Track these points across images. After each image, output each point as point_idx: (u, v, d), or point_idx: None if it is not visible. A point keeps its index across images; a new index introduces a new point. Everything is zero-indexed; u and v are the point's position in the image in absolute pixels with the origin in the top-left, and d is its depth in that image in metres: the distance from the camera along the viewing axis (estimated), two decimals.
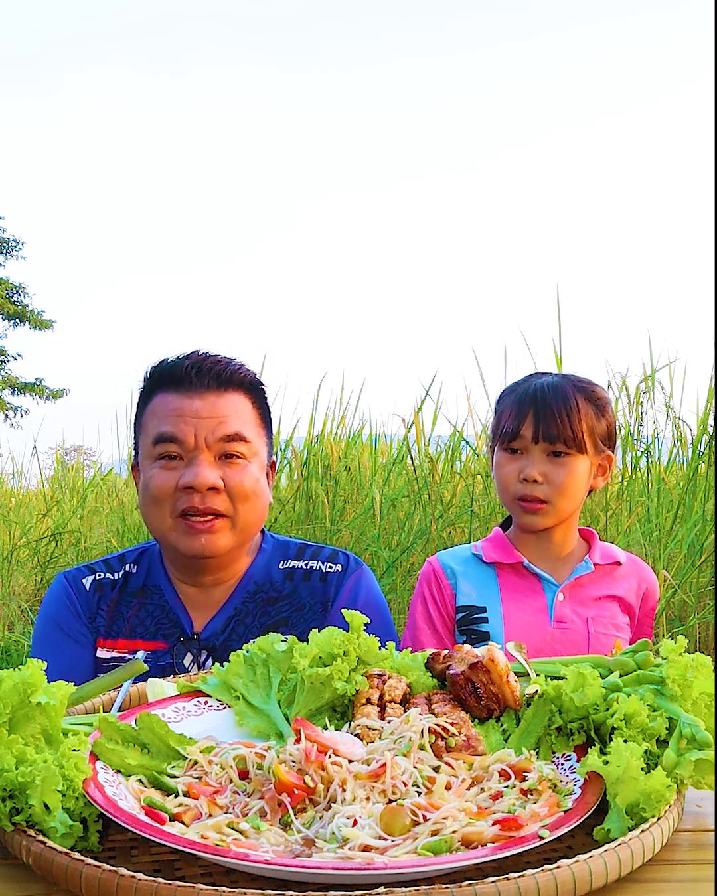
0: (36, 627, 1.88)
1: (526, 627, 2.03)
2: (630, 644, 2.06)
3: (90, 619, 1.81)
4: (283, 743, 1.13)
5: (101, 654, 1.78)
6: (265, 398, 1.83)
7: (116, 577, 1.85)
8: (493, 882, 0.81)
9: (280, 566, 1.84)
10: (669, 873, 0.93)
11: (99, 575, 1.85)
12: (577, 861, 0.85)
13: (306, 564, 1.84)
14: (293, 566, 1.84)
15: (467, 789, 1.02)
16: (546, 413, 1.99)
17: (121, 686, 1.33)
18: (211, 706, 1.23)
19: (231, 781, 1.04)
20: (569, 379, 2.08)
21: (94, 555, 6.11)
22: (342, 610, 1.28)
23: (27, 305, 24.22)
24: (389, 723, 1.13)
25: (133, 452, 1.85)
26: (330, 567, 1.84)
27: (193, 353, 1.78)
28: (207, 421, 1.71)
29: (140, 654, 1.45)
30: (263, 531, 1.90)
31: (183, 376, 1.73)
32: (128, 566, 1.87)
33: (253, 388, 1.80)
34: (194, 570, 1.78)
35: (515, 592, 2.08)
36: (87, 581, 1.85)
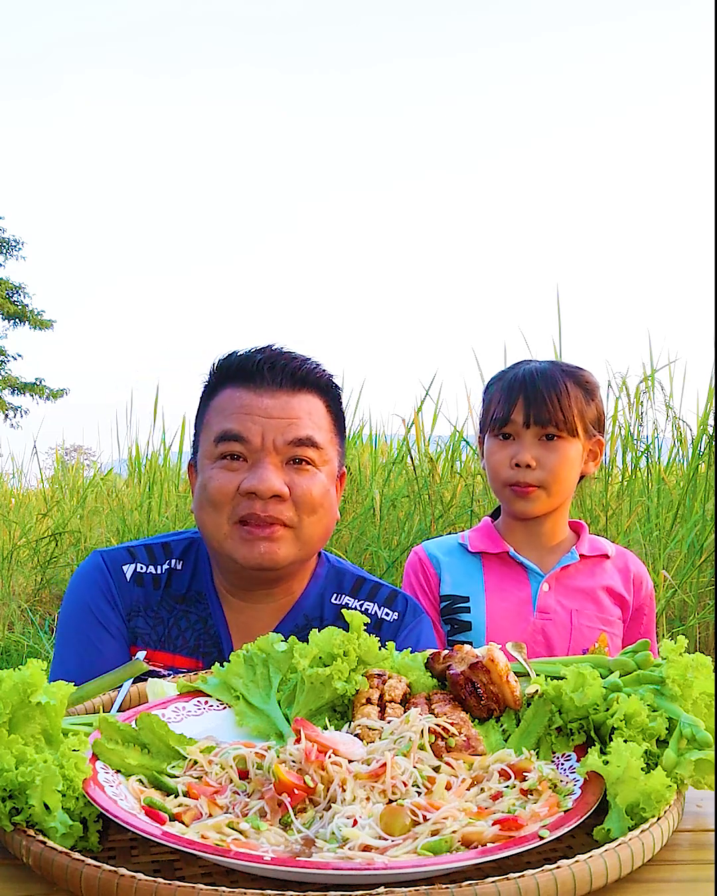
0: (65, 612, 1.71)
1: (509, 617, 2.02)
2: (623, 634, 2.07)
3: (128, 616, 1.66)
4: (283, 743, 1.13)
5: None
6: (341, 403, 1.70)
7: (159, 572, 1.69)
8: (493, 882, 0.81)
9: (333, 600, 1.71)
10: (669, 873, 0.93)
11: (140, 565, 1.69)
12: (577, 861, 0.85)
13: (361, 605, 1.70)
14: (347, 603, 1.70)
15: (467, 789, 1.02)
16: (536, 397, 1.99)
17: (121, 686, 1.33)
18: (211, 706, 1.23)
19: (231, 781, 1.04)
20: (557, 364, 2.09)
21: None
22: (344, 610, 1.28)
23: (27, 305, 24.26)
24: (389, 723, 1.13)
25: (192, 449, 1.71)
26: (387, 613, 1.70)
27: (266, 347, 1.65)
28: (277, 421, 1.57)
29: (141, 655, 1.44)
30: (320, 552, 1.74)
31: (254, 371, 1.60)
32: (173, 561, 1.71)
33: (329, 391, 1.66)
34: (247, 582, 1.64)
35: (499, 582, 2.07)
36: (128, 569, 1.68)
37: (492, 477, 2.07)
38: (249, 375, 1.60)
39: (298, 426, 1.58)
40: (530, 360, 2.12)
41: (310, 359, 1.65)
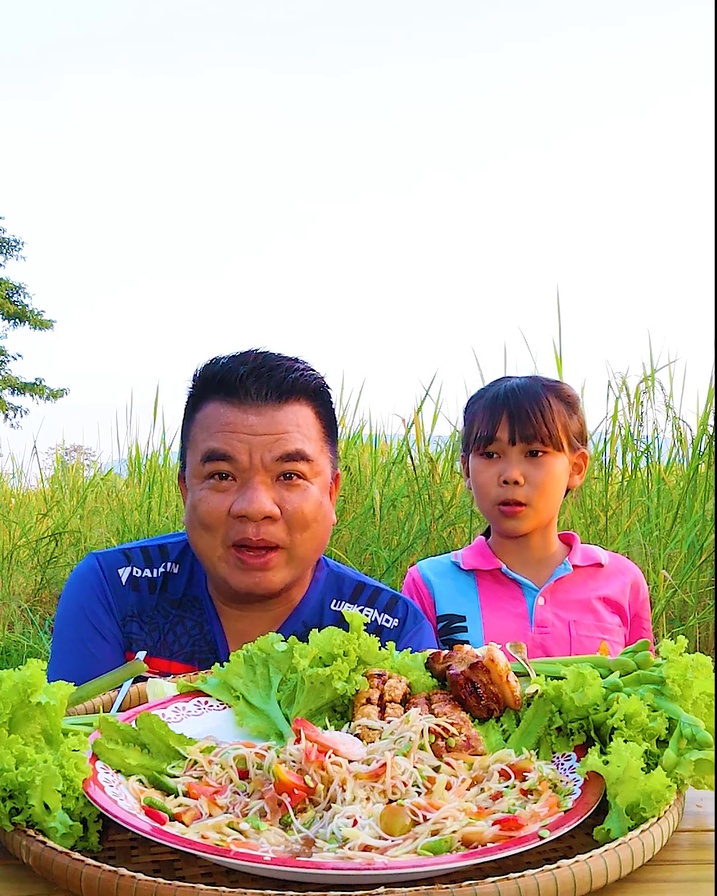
0: (61, 616, 1.70)
1: (506, 634, 2.01)
2: (625, 642, 2.07)
3: (123, 621, 1.65)
4: (283, 743, 1.13)
5: None
6: (331, 404, 1.65)
7: (155, 575, 1.67)
8: (493, 882, 0.81)
9: (332, 606, 1.69)
10: (669, 873, 0.93)
11: (136, 569, 1.68)
12: (577, 861, 0.85)
13: (361, 611, 1.67)
14: (346, 610, 1.65)
15: (467, 789, 1.02)
16: (520, 413, 1.99)
17: (121, 686, 1.32)
18: (211, 706, 1.23)
19: (231, 781, 1.04)
20: (537, 379, 2.09)
21: None
22: (343, 610, 1.28)
23: (27, 305, 24.26)
24: (389, 723, 1.13)
25: (180, 462, 1.67)
26: (387, 620, 1.68)
27: (248, 354, 1.59)
28: (264, 438, 1.52)
29: (141, 655, 1.44)
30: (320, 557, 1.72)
31: (238, 385, 1.54)
32: (169, 564, 1.69)
33: (317, 396, 1.60)
34: (242, 601, 1.63)
35: (494, 599, 2.07)
36: (123, 573, 1.67)
37: (480, 496, 2.06)
38: (232, 389, 1.55)
39: (286, 441, 1.53)
40: (510, 377, 2.13)
41: (296, 363, 1.60)
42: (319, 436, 1.60)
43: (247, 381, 1.54)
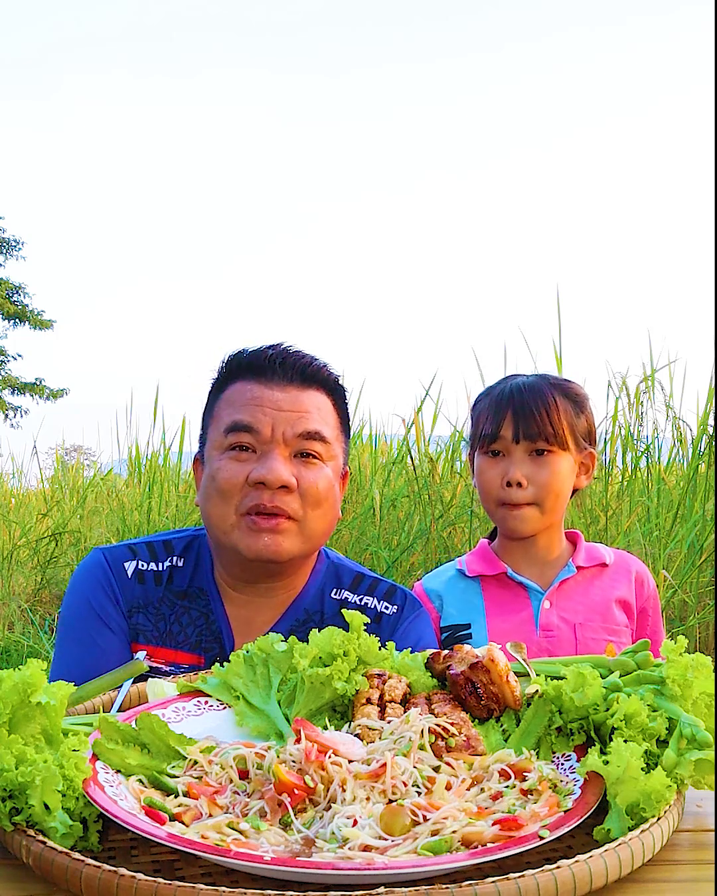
0: (66, 609, 1.72)
1: (511, 639, 2.00)
2: (632, 642, 2.05)
3: (129, 612, 1.67)
4: (283, 743, 1.13)
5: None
6: (346, 403, 1.73)
7: (161, 569, 1.70)
8: (493, 882, 0.81)
9: (332, 595, 1.72)
10: (669, 873, 0.93)
11: (141, 563, 1.70)
12: (577, 861, 0.85)
13: (361, 599, 1.72)
14: (346, 598, 1.72)
15: (467, 789, 1.02)
16: (524, 411, 1.97)
17: (121, 686, 1.33)
18: (211, 706, 1.23)
19: (231, 781, 1.04)
20: (545, 377, 2.07)
21: None
22: (343, 610, 1.28)
23: (27, 305, 24.24)
24: (389, 723, 1.13)
25: (200, 443, 1.73)
26: (386, 607, 1.72)
27: (276, 344, 1.68)
28: (287, 414, 1.59)
29: (141, 655, 1.44)
30: (320, 548, 1.75)
31: (265, 365, 1.63)
32: (174, 558, 1.72)
33: (336, 390, 1.69)
34: (250, 575, 1.65)
35: (499, 604, 2.05)
36: (129, 567, 1.69)
37: (484, 496, 2.04)
38: (260, 370, 1.63)
39: (307, 420, 1.60)
40: (518, 375, 2.10)
41: (318, 358, 1.69)
42: (336, 425, 1.67)
43: (274, 363, 1.63)
